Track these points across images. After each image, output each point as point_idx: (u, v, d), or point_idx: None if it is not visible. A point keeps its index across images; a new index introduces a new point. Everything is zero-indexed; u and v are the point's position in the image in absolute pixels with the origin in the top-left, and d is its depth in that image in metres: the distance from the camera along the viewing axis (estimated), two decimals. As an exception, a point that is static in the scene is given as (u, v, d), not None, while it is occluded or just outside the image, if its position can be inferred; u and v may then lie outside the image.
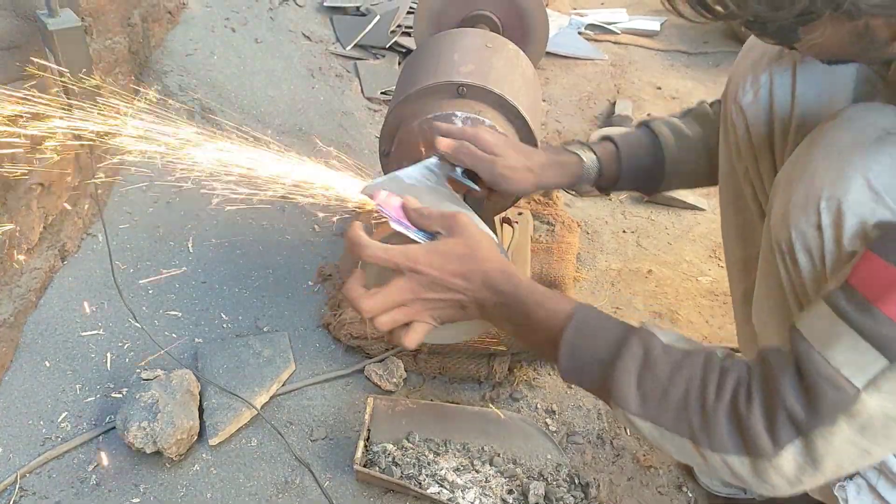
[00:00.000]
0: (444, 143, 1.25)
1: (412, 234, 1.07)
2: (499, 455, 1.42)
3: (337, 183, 1.24)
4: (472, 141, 1.25)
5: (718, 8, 0.84)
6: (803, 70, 1.11)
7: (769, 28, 0.86)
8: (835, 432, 0.80)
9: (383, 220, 1.21)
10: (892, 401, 0.79)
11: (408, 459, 1.38)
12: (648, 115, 2.85)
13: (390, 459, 1.38)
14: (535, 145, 1.48)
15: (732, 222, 1.33)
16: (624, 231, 2.17)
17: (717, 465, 0.86)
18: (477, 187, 1.27)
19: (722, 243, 2.10)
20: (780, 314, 1.01)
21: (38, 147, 1.51)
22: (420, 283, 1.01)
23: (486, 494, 1.34)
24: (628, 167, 1.36)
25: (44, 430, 1.45)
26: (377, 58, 2.96)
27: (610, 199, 2.29)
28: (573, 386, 1.61)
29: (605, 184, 1.38)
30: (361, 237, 1.03)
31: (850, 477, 0.97)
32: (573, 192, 1.38)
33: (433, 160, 1.25)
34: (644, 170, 1.37)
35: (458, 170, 1.26)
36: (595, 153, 1.36)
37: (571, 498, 1.36)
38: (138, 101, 1.34)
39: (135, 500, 1.36)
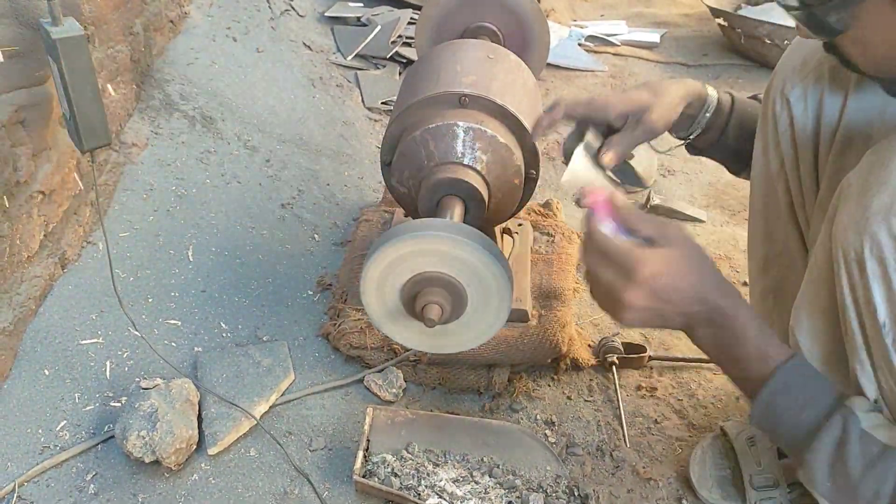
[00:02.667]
0: (607, 159, 1.23)
1: (621, 236, 1.02)
2: (498, 466, 1.42)
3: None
4: (604, 115, 1.24)
5: None
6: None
7: (818, 12, 0.84)
8: None
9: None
10: None
11: (407, 470, 1.38)
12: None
13: (389, 470, 1.37)
14: (537, 156, 1.49)
15: (760, 219, 1.31)
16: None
17: None
18: (618, 181, 1.27)
19: (724, 251, 2.12)
20: (827, 318, 1.00)
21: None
22: (643, 293, 0.97)
23: (485, 506, 1.34)
24: (737, 118, 1.31)
25: (42, 439, 1.45)
26: (378, 68, 2.97)
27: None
28: (572, 397, 1.61)
29: (711, 134, 1.33)
30: (594, 227, 1.01)
31: None
32: (681, 136, 1.35)
33: (582, 146, 1.23)
34: (748, 129, 1.32)
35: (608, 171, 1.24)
36: (719, 97, 1.32)
37: (571, 510, 1.36)
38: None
39: (133, 510, 1.36)
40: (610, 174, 1.26)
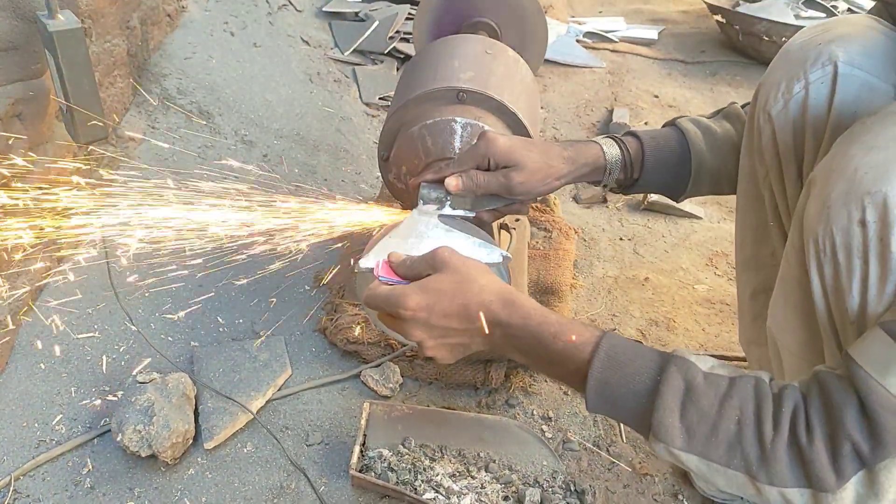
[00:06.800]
0: (452, 185, 1.23)
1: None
2: (494, 461, 1.42)
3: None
4: (485, 151, 1.23)
5: None
6: (843, 82, 1.09)
7: None
8: None
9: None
10: None
11: (403, 465, 1.38)
12: (646, 123, 2.85)
13: (386, 465, 1.37)
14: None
15: (749, 220, 1.31)
16: (621, 238, 2.17)
17: (773, 498, 0.84)
18: (472, 214, 1.26)
19: (721, 248, 2.13)
20: (799, 314, 1.00)
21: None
22: (417, 327, 1.00)
23: (481, 501, 1.34)
24: (653, 162, 1.32)
25: (38, 433, 1.44)
26: (376, 63, 2.96)
27: (621, 201, 2.29)
28: (569, 393, 1.61)
29: (628, 181, 1.34)
30: (371, 285, 1.04)
31: None
32: (601, 188, 1.36)
33: (417, 208, 1.25)
34: (670, 166, 1.33)
35: (447, 205, 1.25)
36: (620, 145, 1.32)
37: (567, 505, 1.36)
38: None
39: (129, 504, 1.36)
40: (455, 212, 1.27)
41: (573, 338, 0.94)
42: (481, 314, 0.98)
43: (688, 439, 0.87)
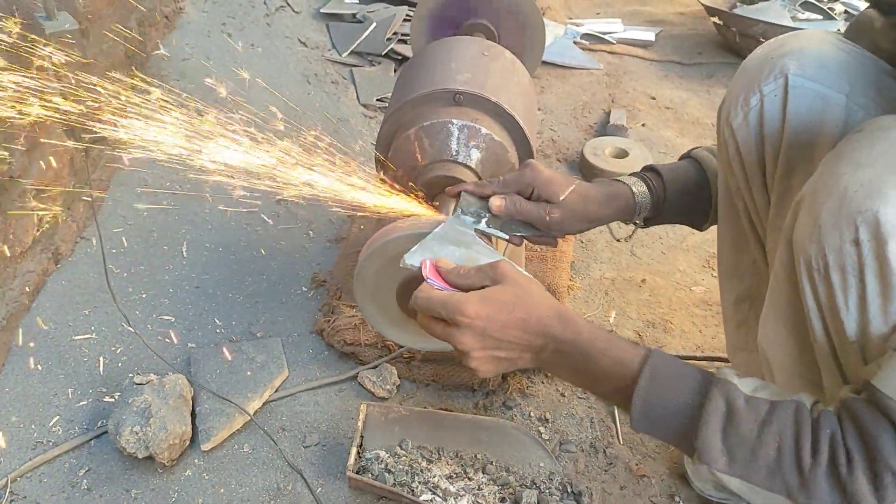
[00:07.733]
0: (495, 205, 1.23)
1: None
2: (491, 463, 1.42)
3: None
4: (530, 180, 1.24)
5: None
6: (795, 94, 1.10)
7: None
8: None
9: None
10: None
11: (400, 466, 1.38)
12: (643, 124, 2.86)
13: (383, 466, 1.38)
14: (531, 154, 1.49)
15: (728, 231, 1.33)
16: (618, 240, 2.17)
17: None
18: (505, 236, 1.27)
19: (715, 252, 2.13)
20: (790, 330, 1.01)
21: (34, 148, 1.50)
22: (470, 335, 0.99)
23: (478, 502, 1.34)
24: (674, 193, 1.33)
25: (35, 434, 1.44)
26: (373, 65, 2.96)
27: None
28: (565, 394, 1.61)
29: (652, 215, 1.35)
30: (423, 287, 1.04)
31: None
32: (630, 225, 1.37)
33: (454, 216, 1.24)
34: (690, 196, 1.34)
35: (484, 221, 1.25)
36: (646, 183, 1.33)
37: (564, 506, 1.36)
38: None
39: (126, 506, 1.36)
40: (489, 229, 1.27)
41: (622, 355, 0.96)
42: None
43: (729, 463, 0.88)
